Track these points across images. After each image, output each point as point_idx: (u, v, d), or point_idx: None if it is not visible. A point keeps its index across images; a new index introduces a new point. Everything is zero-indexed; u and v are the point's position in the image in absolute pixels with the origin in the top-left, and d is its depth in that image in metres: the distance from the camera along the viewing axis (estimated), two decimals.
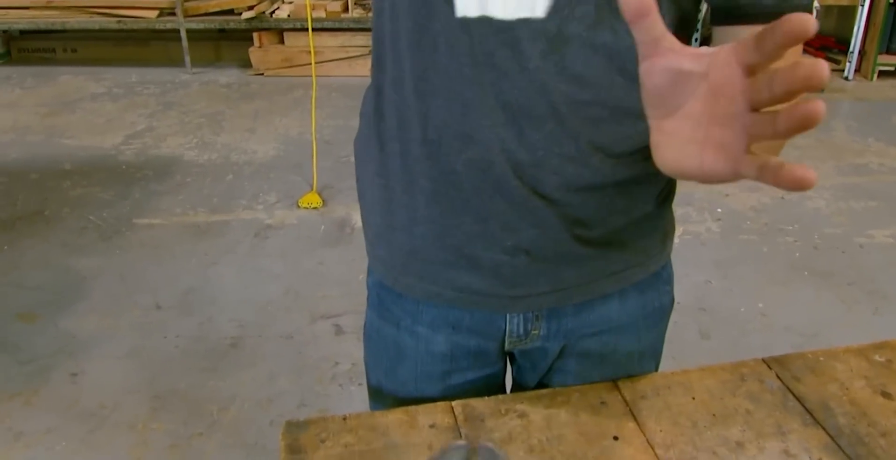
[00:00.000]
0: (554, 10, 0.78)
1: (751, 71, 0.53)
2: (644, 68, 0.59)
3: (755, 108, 0.53)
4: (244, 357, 2.38)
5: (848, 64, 4.90)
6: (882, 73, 4.88)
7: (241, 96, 4.67)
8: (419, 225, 0.92)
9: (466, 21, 0.79)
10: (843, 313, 2.59)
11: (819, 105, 0.48)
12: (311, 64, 4.79)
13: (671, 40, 0.57)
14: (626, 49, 0.80)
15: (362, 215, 1.02)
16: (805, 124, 0.48)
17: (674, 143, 0.60)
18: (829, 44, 5.08)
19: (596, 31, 0.80)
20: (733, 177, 0.56)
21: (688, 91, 0.57)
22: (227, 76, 5.04)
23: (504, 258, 0.90)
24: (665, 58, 0.57)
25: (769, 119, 0.51)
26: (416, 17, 0.82)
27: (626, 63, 0.81)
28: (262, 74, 4.99)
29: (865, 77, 4.91)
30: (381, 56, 0.90)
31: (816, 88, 0.48)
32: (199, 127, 4.19)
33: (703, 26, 0.93)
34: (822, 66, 0.47)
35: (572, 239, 0.89)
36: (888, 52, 4.91)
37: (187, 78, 5.03)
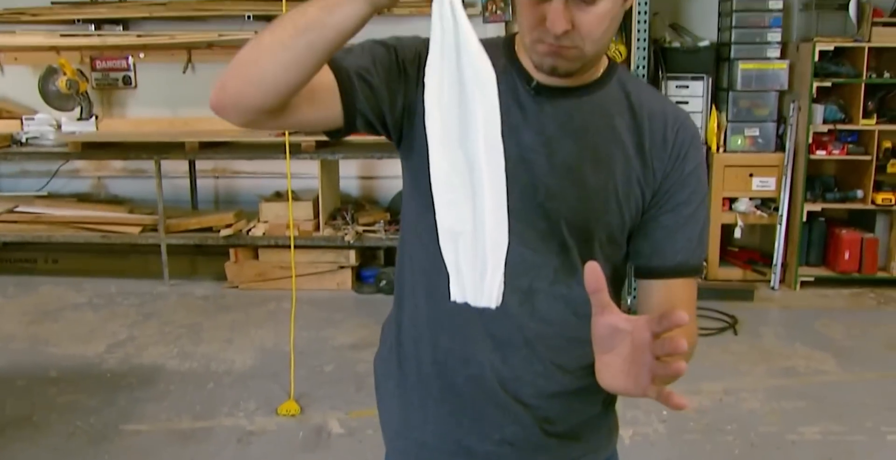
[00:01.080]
0: (524, 273, 1.15)
1: (655, 336, 0.89)
2: (594, 321, 0.96)
3: (657, 357, 0.89)
4: None
5: (773, 275, 5.39)
6: (804, 283, 5.37)
7: (218, 308, 4.99)
8: (429, 423, 1.24)
9: None
10: None
11: (681, 366, 0.86)
12: (282, 278, 5.20)
13: (614, 307, 0.95)
14: (576, 297, 1.18)
15: (381, 417, 1.34)
16: (675, 374, 0.86)
17: (609, 371, 0.95)
18: (755, 258, 5.61)
19: (555, 286, 1.17)
20: (643, 396, 0.91)
21: (619, 340, 0.93)
22: (204, 289, 5.38)
23: (493, 448, 1.23)
24: (608, 318, 0.95)
25: (664, 365, 0.87)
26: (431, 275, 1.19)
27: (577, 307, 1.18)
28: (237, 287, 5.34)
29: (790, 287, 5.40)
30: (401, 297, 1.27)
31: (683, 354, 0.85)
32: (178, 337, 4.47)
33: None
34: (683, 344, 0.84)
35: (542, 433, 1.23)
36: (807, 264, 5.46)
37: (165, 290, 5.35)
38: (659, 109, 1.22)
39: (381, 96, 1.14)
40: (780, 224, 5.33)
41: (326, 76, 1.12)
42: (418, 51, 1.17)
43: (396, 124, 1.18)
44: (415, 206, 1.22)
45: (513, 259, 1.15)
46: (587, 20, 1.07)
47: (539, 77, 1.17)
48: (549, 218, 1.16)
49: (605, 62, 1.23)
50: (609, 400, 1.30)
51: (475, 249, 1.00)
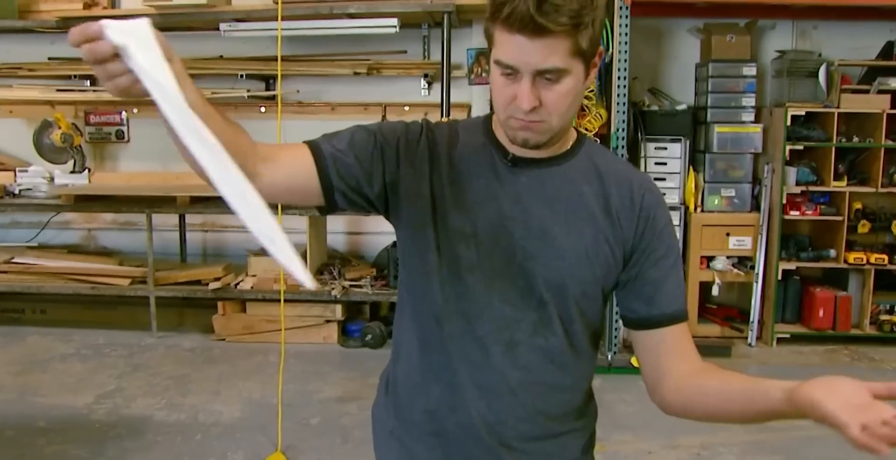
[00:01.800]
0: (506, 326, 1.28)
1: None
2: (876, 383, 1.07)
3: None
4: None
5: (750, 332, 5.50)
6: (780, 340, 5.49)
7: (205, 360, 5.05)
8: None
9: (457, 337, 1.28)
10: None
11: None
12: (269, 331, 5.27)
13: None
14: (553, 348, 1.31)
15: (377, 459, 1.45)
16: None
17: (833, 394, 1.08)
18: (733, 315, 5.74)
19: (534, 337, 1.30)
20: (840, 427, 1.06)
21: (865, 397, 1.06)
22: (191, 341, 5.44)
23: None
24: (887, 391, 1.07)
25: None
26: (424, 330, 1.32)
27: (554, 356, 1.31)
28: (224, 340, 5.40)
29: (766, 343, 5.51)
30: (397, 350, 1.40)
31: None
32: (166, 388, 4.52)
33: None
34: None
35: None
36: (783, 321, 5.59)
37: (153, 341, 5.42)
38: (625, 178, 1.38)
39: (356, 174, 1.32)
40: (757, 282, 5.47)
41: (307, 158, 1.29)
42: (398, 134, 1.36)
43: (379, 198, 1.34)
44: (407, 269, 1.36)
45: (496, 314, 1.29)
46: (552, 97, 1.23)
47: (514, 150, 1.33)
48: (527, 277, 1.29)
49: (573, 135, 1.38)
50: (588, 445, 1.41)
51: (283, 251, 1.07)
